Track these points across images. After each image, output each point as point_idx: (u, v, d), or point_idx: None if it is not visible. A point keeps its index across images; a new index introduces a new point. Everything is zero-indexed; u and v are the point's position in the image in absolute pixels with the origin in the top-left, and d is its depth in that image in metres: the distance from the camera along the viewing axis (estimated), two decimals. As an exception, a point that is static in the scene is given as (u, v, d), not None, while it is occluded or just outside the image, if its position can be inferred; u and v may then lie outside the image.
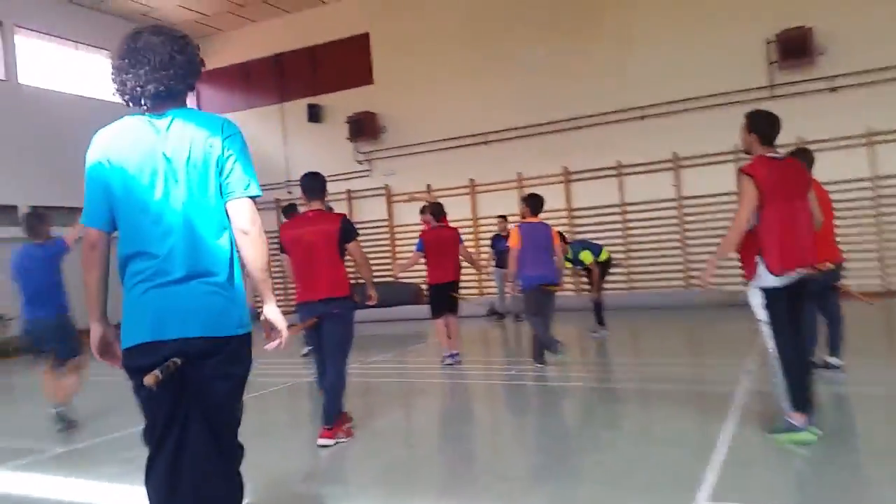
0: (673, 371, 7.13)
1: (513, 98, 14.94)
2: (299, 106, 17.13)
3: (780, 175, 4.17)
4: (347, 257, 5.14)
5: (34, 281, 5.92)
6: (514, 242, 7.26)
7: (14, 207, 14.20)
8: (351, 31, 16.72)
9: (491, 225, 15.33)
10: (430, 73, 15.81)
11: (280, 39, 17.59)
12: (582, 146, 14.42)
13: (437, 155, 15.79)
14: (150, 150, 2.32)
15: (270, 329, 2.47)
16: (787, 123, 13.25)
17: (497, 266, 12.47)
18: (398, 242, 16.35)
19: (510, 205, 15.00)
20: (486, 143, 15.24)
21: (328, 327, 4.88)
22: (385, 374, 8.35)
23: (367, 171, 16.63)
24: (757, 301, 4.19)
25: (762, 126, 4.35)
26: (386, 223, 16.42)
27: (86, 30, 15.98)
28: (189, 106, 2.45)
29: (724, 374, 6.58)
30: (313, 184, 5.13)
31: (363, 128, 16.11)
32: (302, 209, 5.85)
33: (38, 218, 6.16)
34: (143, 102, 2.38)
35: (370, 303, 5.33)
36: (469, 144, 15.40)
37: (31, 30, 14.92)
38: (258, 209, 2.46)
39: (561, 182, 14.68)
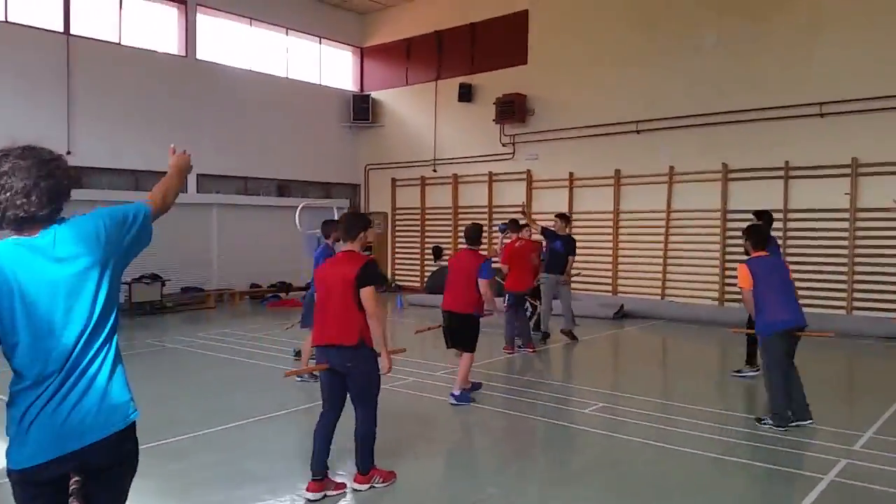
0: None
1: (674, 86, 13.79)
2: (452, 84, 17.07)
3: None
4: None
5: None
6: (745, 283, 6.36)
7: (185, 173, 15.56)
8: (510, 9, 16.26)
9: (633, 220, 14.51)
10: (587, 55, 15.01)
11: (442, 15, 17.52)
12: (746, 142, 13.03)
13: (583, 142, 15.06)
14: (37, 270, 2.26)
15: None
16: None
17: (548, 271, 10.56)
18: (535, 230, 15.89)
19: (658, 200, 14.06)
20: (637, 132, 14.25)
21: (348, 378, 4.64)
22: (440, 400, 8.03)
23: (510, 154, 16.27)
24: None
25: None
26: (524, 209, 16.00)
27: (260, 6, 16.95)
28: (66, 216, 2.39)
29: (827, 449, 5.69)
30: (349, 224, 4.83)
31: (511, 110, 15.73)
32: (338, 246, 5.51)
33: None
34: (4, 226, 2.29)
35: (383, 373, 4.73)
36: (618, 133, 14.50)
37: (211, 7, 16.07)
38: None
39: (718, 180, 13.39)
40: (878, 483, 4.84)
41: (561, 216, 10.93)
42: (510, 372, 8.84)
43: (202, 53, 15.98)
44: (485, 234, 9.95)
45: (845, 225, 12.10)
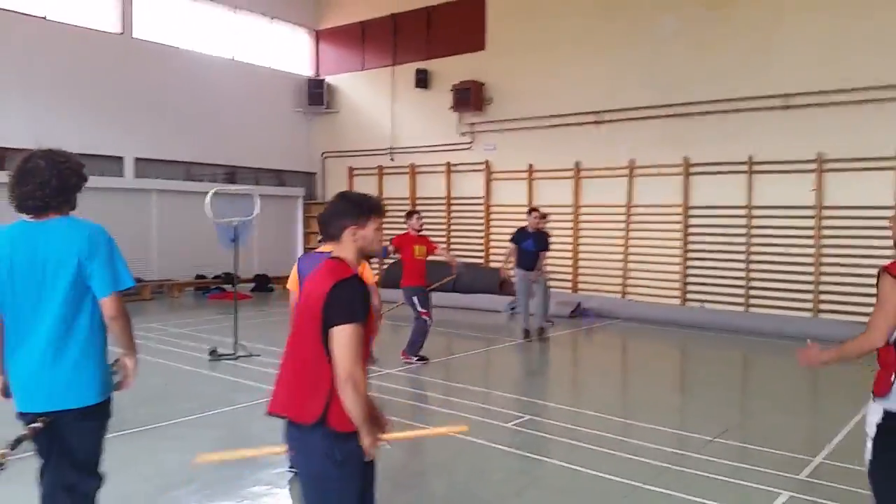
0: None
1: (634, 75, 13.09)
2: (409, 70, 16.25)
3: None
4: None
5: None
6: (291, 284, 4.75)
7: (120, 159, 14.64)
8: (468, -9, 15.48)
9: (593, 214, 13.83)
10: (545, 42, 14.24)
11: (398, -2, 16.69)
12: (708, 135, 12.37)
13: (542, 132, 14.33)
14: (31, 250, 2.92)
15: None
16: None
17: (519, 266, 10.29)
18: (493, 222, 15.21)
19: (618, 194, 13.39)
20: (597, 122, 13.56)
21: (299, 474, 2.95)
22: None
23: (469, 144, 15.50)
24: (874, 419, 3.35)
25: None
26: (482, 202, 15.30)
27: (207, -17, 16.02)
28: (72, 214, 3.04)
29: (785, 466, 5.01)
30: (333, 211, 2.90)
31: (469, 97, 14.94)
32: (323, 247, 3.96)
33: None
34: (27, 212, 2.96)
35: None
36: (579, 123, 13.79)
37: (152, -18, 15.13)
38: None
39: (679, 174, 12.73)
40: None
41: (537, 212, 10.60)
42: (437, 376, 8.10)
43: (140, 32, 15.01)
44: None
45: (811, 223, 11.49)
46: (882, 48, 10.67)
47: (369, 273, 4.70)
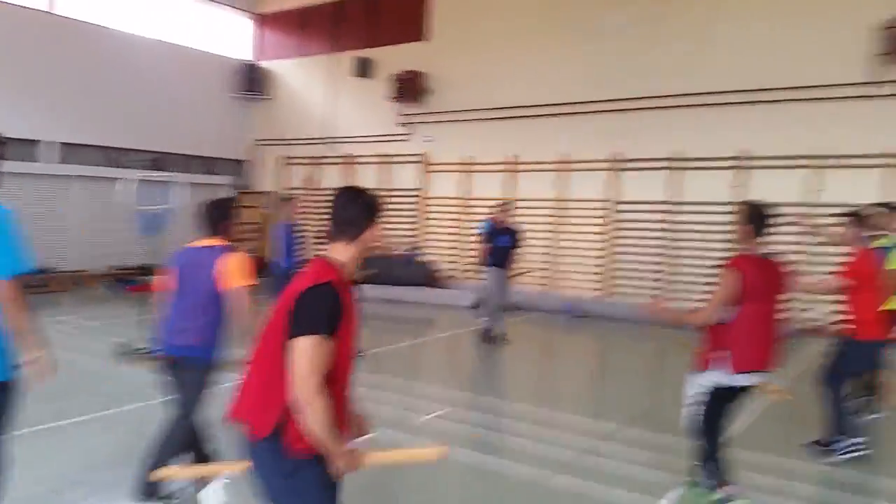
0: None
1: (572, 70, 13.23)
2: (349, 58, 16.03)
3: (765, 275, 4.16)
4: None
5: None
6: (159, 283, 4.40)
7: (36, 142, 13.93)
8: (411, -19, 15.36)
9: (526, 208, 13.91)
10: (488, 33, 14.24)
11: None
12: (637, 131, 12.62)
13: (481, 125, 14.36)
14: None
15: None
16: (889, 127, 10.95)
17: (494, 265, 9.49)
18: (429, 215, 15.18)
19: (550, 188, 13.53)
20: (534, 116, 13.66)
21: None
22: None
23: (407, 135, 15.42)
24: (694, 391, 4.22)
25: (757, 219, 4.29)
26: (418, 194, 15.24)
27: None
28: None
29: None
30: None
31: (408, 88, 14.85)
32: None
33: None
34: None
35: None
36: (516, 117, 13.87)
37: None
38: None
39: (608, 170, 12.95)
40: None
41: (506, 204, 9.94)
42: (360, 369, 8.01)
43: (65, 8, 14.36)
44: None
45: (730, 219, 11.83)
46: (803, 53, 11.08)
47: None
